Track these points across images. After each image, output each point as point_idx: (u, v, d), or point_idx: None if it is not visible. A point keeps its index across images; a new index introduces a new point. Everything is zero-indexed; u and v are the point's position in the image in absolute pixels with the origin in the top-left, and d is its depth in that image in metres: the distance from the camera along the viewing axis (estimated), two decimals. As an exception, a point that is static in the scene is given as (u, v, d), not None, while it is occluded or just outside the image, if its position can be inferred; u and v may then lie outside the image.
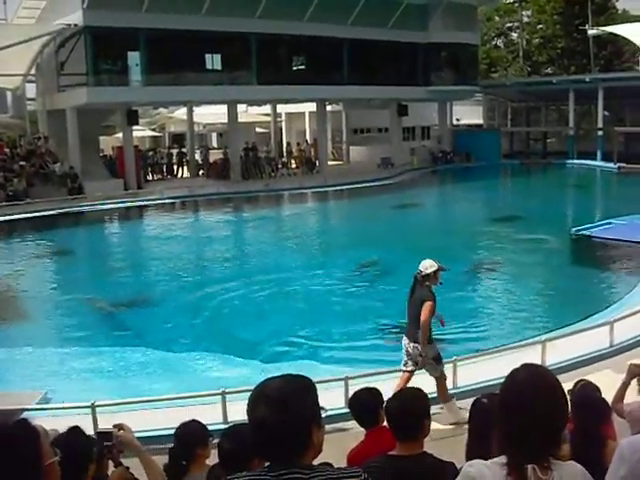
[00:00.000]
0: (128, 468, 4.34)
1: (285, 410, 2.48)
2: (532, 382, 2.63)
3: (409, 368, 9.17)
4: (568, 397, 2.82)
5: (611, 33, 29.66)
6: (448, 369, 9.88)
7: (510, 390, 2.67)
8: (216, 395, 9.14)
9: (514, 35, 74.99)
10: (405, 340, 9.26)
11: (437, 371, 9.15)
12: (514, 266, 20.68)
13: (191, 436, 4.58)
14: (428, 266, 9.01)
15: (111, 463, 3.98)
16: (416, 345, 8.98)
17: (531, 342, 11.29)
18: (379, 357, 12.32)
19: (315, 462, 2.65)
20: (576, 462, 2.80)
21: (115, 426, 3.96)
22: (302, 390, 2.59)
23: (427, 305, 8.78)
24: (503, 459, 2.60)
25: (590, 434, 4.10)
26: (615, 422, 5.00)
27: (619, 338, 11.09)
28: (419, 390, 4.13)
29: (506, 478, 2.56)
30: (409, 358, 9.14)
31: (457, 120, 58.78)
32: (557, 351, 10.79)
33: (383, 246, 22.54)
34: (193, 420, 4.91)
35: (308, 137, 52.25)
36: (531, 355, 10.42)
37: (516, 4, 71.97)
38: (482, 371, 9.91)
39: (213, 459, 4.53)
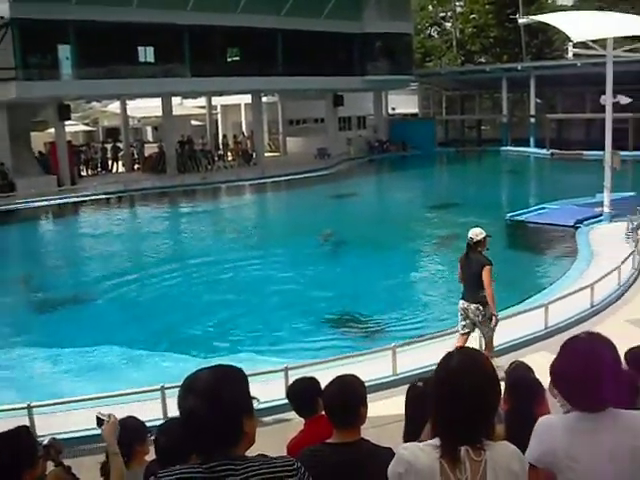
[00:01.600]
0: (70, 468, 4.25)
1: (214, 401, 2.45)
2: (465, 366, 2.65)
3: (467, 330, 9.98)
4: (500, 379, 2.85)
5: (541, 22, 30.03)
6: (387, 356, 9.97)
7: (443, 374, 2.69)
8: (155, 391, 9.02)
9: (448, 25, 75.63)
10: (464, 303, 9.89)
11: (490, 330, 9.86)
12: (451, 252, 20.83)
13: (129, 433, 4.51)
14: (478, 233, 9.90)
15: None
16: (477, 305, 9.70)
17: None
18: (320, 346, 12.35)
19: (255, 453, 2.62)
20: (511, 442, 2.84)
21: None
22: (231, 380, 2.56)
23: (487, 269, 9.58)
24: (437, 441, 2.62)
25: (523, 414, 4.14)
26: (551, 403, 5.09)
27: (553, 320, 11.29)
28: (355, 377, 4.11)
29: (439, 460, 2.58)
30: (468, 320, 9.88)
31: (393, 109, 59.11)
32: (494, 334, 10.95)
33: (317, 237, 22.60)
34: (130, 417, 4.84)
35: (244, 129, 52.00)
36: (468, 339, 10.55)
37: (450, -7, 72.70)
38: (422, 357, 9.95)
39: (153, 455, 4.49)
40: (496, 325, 9.82)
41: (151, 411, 8.27)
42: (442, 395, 2.66)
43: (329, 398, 3.95)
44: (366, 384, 9.21)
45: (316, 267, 18.58)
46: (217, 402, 2.45)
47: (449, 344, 9.91)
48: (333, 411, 3.89)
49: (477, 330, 10.07)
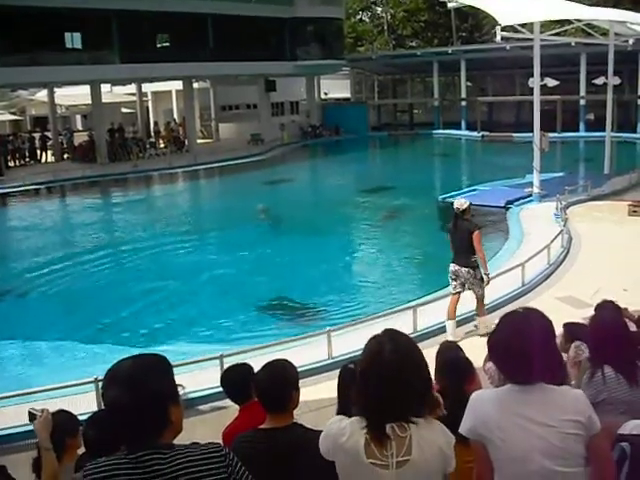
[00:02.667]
0: (4, 468, 4.15)
1: (138, 390, 2.43)
2: (389, 347, 2.68)
3: (458, 290, 10.75)
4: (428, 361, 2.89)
5: (470, 6, 30.35)
6: (322, 340, 9.98)
7: (369, 356, 2.71)
8: (89, 383, 8.85)
9: (379, 9, 75.95)
10: (454, 267, 10.70)
11: (482, 289, 10.74)
12: (385, 235, 21.07)
13: (59, 426, 4.39)
14: (463, 202, 10.77)
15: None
16: (468, 269, 10.54)
17: (403, 308, 11.50)
18: (256, 332, 12.31)
19: (192, 441, 2.61)
20: (442, 420, 2.92)
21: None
22: (155, 368, 2.53)
23: (477, 233, 10.48)
24: (363, 419, 2.64)
25: (454, 393, 4.18)
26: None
27: (486, 299, 11.43)
28: (286, 361, 4.09)
29: (365, 436, 2.61)
30: (459, 282, 10.68)
31: (325, 94, 59.15)
32: (428, 315, 11.07)
33: (257, 222, 22.51)
34: (61, 410, 4.73)
35: (176, 116, 51.40)
36: (403, 320, 10.65)
37: (380, -22, 72.97)
38: (357, 340, 9.96)
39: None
40: (488, 284, 10.78)
41: (87, 404, 8.13)
42: (367, 375, 2.69)
43: (260, 383, 3.93)
44: (302, 369, 9.31)
45: (251, 253, 18.48)
46: (141, 391, 2.43)
47: (383, 327, 9.97)
48: (264, 396, 3.88)
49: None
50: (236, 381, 5.00)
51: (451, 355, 4.88)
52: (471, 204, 10.87)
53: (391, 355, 2.68)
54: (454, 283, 10.78)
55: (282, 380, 3.87)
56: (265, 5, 43.54)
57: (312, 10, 46.25)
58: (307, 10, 46.11)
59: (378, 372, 2.67)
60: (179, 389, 2.62)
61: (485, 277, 10.70)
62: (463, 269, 10.60)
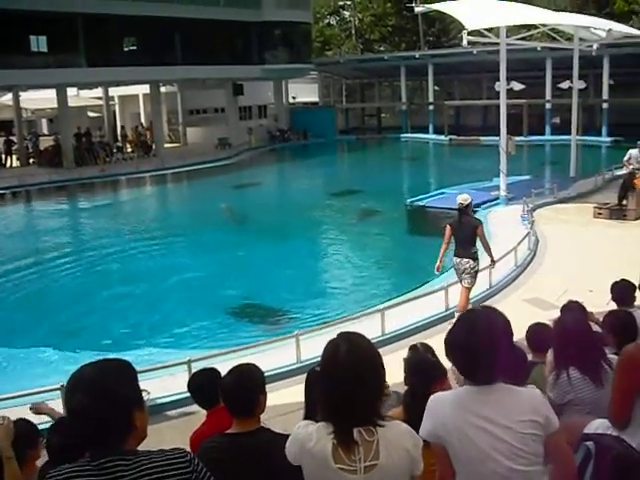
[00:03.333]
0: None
1: (101, 395, 2.40)
2: (348, 351, 2.67)
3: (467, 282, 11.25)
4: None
5: (436, 11, 30.58)
6: (291, 344, 9.95)
7: (329, 361, 2.70)
8: (54, 390, 8.73)
9: (347, 13, 76.12)
10: (456, 259, 11.24)
11: (473, 283, 11.27)
12: (353, 238, 21.10)
13: (19, 437, 4.32)
14: (466, 197, 11.32)
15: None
16: (469, 260, 11.08)
17: (371, 311, 11.49)
18: (224, 337, 12.28)
19: (161, 447, 2.57)
20: (409, 422, 2.92)
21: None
22: (118, 373, 2.50)
23: (481, 227, 11.24)
24: (330, 425, 2.63)
25: (421, 395, 4.18)
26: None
27: (454, 301, 11.49)
28: (253, 365, 4.07)
29: (332, 441, 2.59)
30: (466, 274, 11.17)
31: (293, 98, 59.13)
32: (396, 318, 11.09)
33: (224, 226, 22.42)
34: (21, 419, 4.64)
35: (143, 120, 51.07)
36: (371, 324, 10.66)
37: (347, -17, 73.16)
38: (325, 343, 9.95)
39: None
40: (493, 266, 12.01)
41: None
42: (326, 378, 2.68)
43: (226, 388, 3.91)
44: (271, 373, 9.29)
45: (219, 257, 18.40)
46: (104, 396, 2.40)
47: (352, 329, 9.97)
48: (230, 401, 3.85)
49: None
50: (203, 386, 4.97)
51: (417, 357, 4.90)
52: (472, 201, 11.57)
53: (346, 356, 2.68)
54: (463, 275, 11.32)
55: (248, 384, 3.85)
56: (233, 9, 43.42)
57: (280, 14, 46.20)
58: (275, 14, 46.05)
59: (334, 373, 2.68)
60: (144, 394, 2.59)
61: (492, 262, 11.77)
62: (464, 260, 11.13)
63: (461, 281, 11.32)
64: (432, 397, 3.10)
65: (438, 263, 11.47)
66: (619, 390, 3.62)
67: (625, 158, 19.84)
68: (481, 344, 2.90)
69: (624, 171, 19.88)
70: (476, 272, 11.28)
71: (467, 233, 11.14)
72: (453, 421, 2.92)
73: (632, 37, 31.02)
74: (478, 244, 11.30)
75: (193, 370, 8.48)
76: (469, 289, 11.33)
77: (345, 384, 2.62)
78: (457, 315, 10.67)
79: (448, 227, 11.48)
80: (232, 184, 32.66)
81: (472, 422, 2.90)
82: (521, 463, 2.89)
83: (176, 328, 13.12)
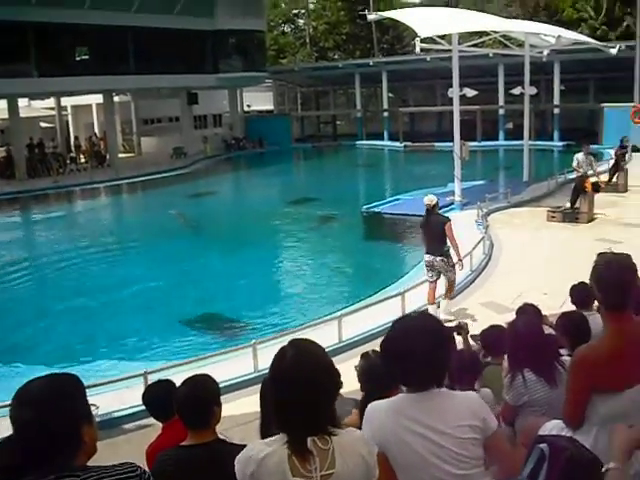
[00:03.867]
0: None
1: (49, 411, 2.36)
2: (298, 358, 2.65)
3: (434, 278, 11.84)
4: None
5: (388, 18, 30.81)
6: (248, 353, 9.90)
7: (278, 369, 2.67)
8: (3, 407, 8.52)
9: (301, 21, 76.30)
10: (429, 257, 11.77)
11: (454, 274, 11.88)
12: (310, 246, 21.08)
13: None
14: (432, 198, 11.97)
15: None
16: (442, 257, 11.60)
17: (328, 318, 11.50)
18: (181, 347, 12.17)
19: (116, 461, 2.53)
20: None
21: None
22: (66, 388, 2.46)
23: (449, 224, 11.63)
24: (283, 436, 2.60)
25: (371, 400, 4.18)
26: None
27: (410, 307, 11.52)
28: (207, 376, 4.03)
29: (287, 453, 2.57)
30: (435, 271, 11.77)
31: (248, 106, 59.09)
32: (354, 325, 11.10)
33: (180, 236, 22.27)
34: None
35: (97, 130, 50.56)
36: (329, 331, 10.66)
37: (301, -9, 73.34)
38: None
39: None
40: (462, 267, 12.06)
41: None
42: (279, 390, 2.65)
43: (180, 400, 3.86)
44: (228, 382, 9.22)
45: (175, 267, 18.23)
46: (52, 412, 2.36)
47: (310, 337, 9.96)
48: (185, 413, 3.81)
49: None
50: (157, 398, 4.91)
51: (369, 363, 4.90)
52: (438, 200, 12.25)
53: (293, 361, 2.65)
54: (430, 273, 11.86)
55: (202, 396, 3.81)
56: (186, 18, 43.17)
57: (234, 22, 46.07)
58: (229, 23, 45.92)
59: (282, 380, 2.65)
60: (93, 409, 2.54)
61: (459, 262, 11.85)
62: (437, 258, 11.64)
63: (438, 278, 11.91)
64: (369, 406, 3.10)
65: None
66: (572, 391, 3.65)
67: (574, 164, 20.07)
68: (416, 350, 2.90)
69: (576, 175, 20.16)
70: (452, 266, 11.77)
71: (436, 231, 11.64)
72: (391, 428, 2.92)
73: (581, 43, 31.63)
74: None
75: (149, 382, 8.41)
76: (452, 284, 12.09)
77: (294, 391, 2.59)
78: (443, 303, 12.10)
79: (420, 227, 12.24)
80: (188, 193, 32.47)
81: (410, 429, 2.90)
82: (462, 467, 2.91)
83: (132, 340, 13.00)
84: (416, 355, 2.90)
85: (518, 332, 5.13)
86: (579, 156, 20.02)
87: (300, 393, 2.57)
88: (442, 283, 12.16)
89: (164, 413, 4.83)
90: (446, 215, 12.28)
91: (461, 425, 2.92)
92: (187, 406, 3.78)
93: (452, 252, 11.88)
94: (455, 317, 11.50)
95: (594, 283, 3.57)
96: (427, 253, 11.82)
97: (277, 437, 2.62)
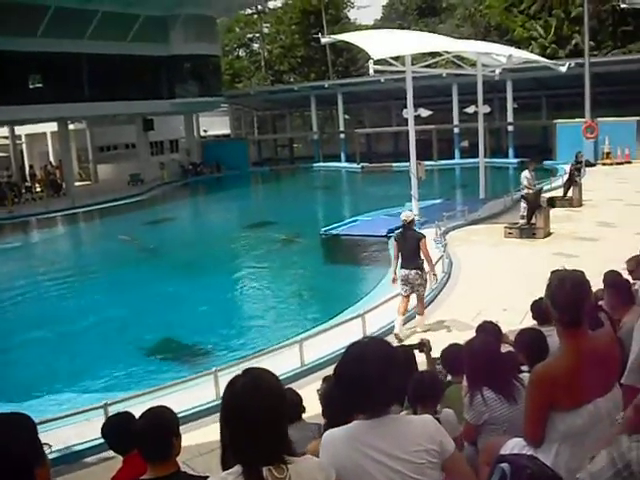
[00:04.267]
0: None
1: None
2: (249, 387, 2.61)
3: (408, 293, 12.23)
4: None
5: (342, 41, 31.11)
6: (209, 381, 9.80)
7: (229, 399, 2.63)
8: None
9: (255, 46, 76.61)
10: (404, 272, 12.13)
11: (424, 290, 12.49)
12: (269, 270, 21.02)
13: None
14: (410, 214, 12.76)
15: None
16: (417, 271, 12.10)
17: (289, 343, 11.44)
18: (142, 378, 12.01)
19: None
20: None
21: None
22: (15, 431, 2.38)
23: (424, 240, 12.21)
24: (239, 468, 2.55)
25: (332, 424, 4.16)
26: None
27: (371, 328, 11.52)
28: (165, 408, 3.96)
29: None
30: (409, 285, 12.16)
31: (205, 131, 59.00)
32: (315, 348, 11.05)
33: (137, 264, 22.04)
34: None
35: (52, 158, 50.07)
36: (290, 355, 10.61)
37: (255, 15, 73.57)
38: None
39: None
40: (436, 281, 13.17)
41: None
42: (231, 419, 2.60)
43: (138, 433, 3.79)
44: (190, 411, 9.11)
45: (134, 295, 18.05)
46: (3, 457, 2.28)
47: (270, 363, 9.93)
48: (143, 446, 3.74)
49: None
50: (115, 431, 4.82)
51: (331, 386, 4.87)
52: (415, 216, 13.17)
53: (243, 388, 2.60)
54: (405, 287, 12.20)
55: (160, 428, 3.74)
56: (140, 44, 43.11)
57: (188, 48, 46.08)
58: (183, 48, 45.93)
59: (234, 409, 2.59)
60: (45, 448, 2.47)
61: (433, 276, 12.85)
62: (412, 272, 12.09)
63: (412, 292, 12.26)
64: (325, 434, 3.07)
65: (393, 276, 12.48)
66: (531, 409, 3.67)
67: (524, 182, 20.23)
68: (370, 375, 2.88)
69: (525, 192, 20.29)
70: (425, 280, 12.40)
71: (411, 246, 12.10)
72: (348, 456, 2.89)
73: (532, 62, 32.17)
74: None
75: (110, 414, 8.28)
76: (422, 299, 12.53)
77: (245, 419, 2.54)
78: (417, 319, 12.66)
79: (394, 242, 12.54)
80: (145, 220, 32.21)
81: (367, 455, 2.87)
82: None
83: (92, 371, 12.80)
84: (370, 380, 2.87)
85: (474, 351, 5.16)
86: (526, 173, 20.27)
87: (252, 422, 2.53)
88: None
89: (123, 446, 4.74)
90: (421, 232, 12.81)
91: (418, 450, 2.90)
92: (145, 439, 3.71)
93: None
94: (431, 329, 12.23)
95: (549, 301, 3.60)
96: (402, 267, 12.19)
97: (233, 469, 2.58)
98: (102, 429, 5.08)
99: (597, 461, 1.77)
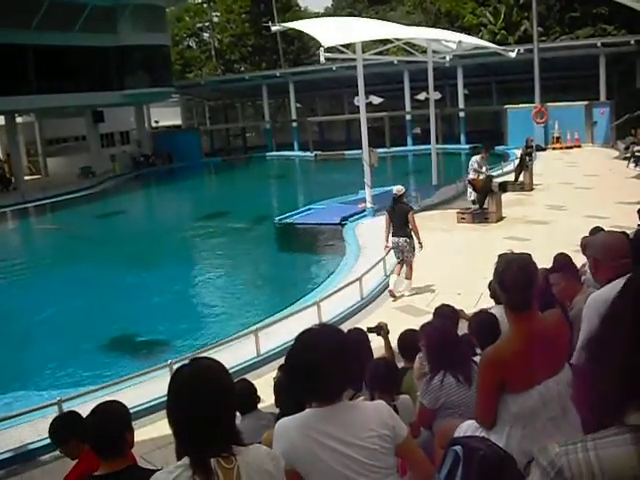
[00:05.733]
0: None
1: None
2: (195, 377, 2.59)
3: (400, 259, 13.64)
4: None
5: (293, 29, 31.03)
6: (165, 374, 9.71)
7: (174, 387, 2.60)
8: None
9: (206, 35, 75.95)
10: (395, 239, 13.48)
11: (412, 256, 13.56)
12: (224, 260, 20.95)
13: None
14: (400, 188, 13.83)
15: None
16: (405, 238, 13.37)
17: (245, 333, 11.39)
18: (97, 373, 11.89)
19: None
20: None
21: None
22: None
23: (412, 212, 13.53)
24: (187, 460, 2.53)
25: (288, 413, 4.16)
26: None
27: (326, 316, 11.54)
28: (116, 402, 3.90)
29: (192, 477, 2.50)
30: (399, 251, 13.55)
31: (156, 122, 58.42)
32: (272, 337, 11.03)
33: (88, 258, 21.76)
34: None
35: (0, 153, 49.12)
36: (246, 345, 10.58)
37: (205, 4, 72.93)
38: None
39: None
40: (422, 249, 13.52)
41: None
42: (177, 411, 2.58)
43: (89, 430, 3.74)
44: (146, 405, 9.02)
45: (87, 290, 17.85)
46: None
47: (226, 353, 9.94)
48: (95, 442, 3.69)
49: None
50: (62, 430, 4.75)
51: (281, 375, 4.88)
52: (406, 190, 14.26)
53: (188, 378, 2.58)
54: (397, 253, 13.64)
55: (111, 424, 3.69)
56: (88, 34, 42.38)
57: (137, 38, 45.52)
58: (132, 38, 45.33)
59: (179, 398, 2.57)
60: None
61: (419, 245, 13.42)
62: (401, 239, 13.37)
63: (404, 259, 13.57)
64: (278, 423, 3.06)
65: (385, 244, 13.76)
66: (482, 391, 3.70)
67: (474, 166, 20.21)
68: (319, 363, 2.87)
69: (471, 177, 20.37)
70: (413, 247, 13.46)
71: (400, 217, 13.35)
72: (301, 445, 2.88)
73: (482, 48, 32.42)
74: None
75: (64, 410, 8.18)
76: (411, 265, 13.61)
77: (191, 409, 2.51)
78: (405, 282, 13.71)
79: (386, 214, 13.81)
80: (97, 214, 31.89)
81: (320, 443, 2.87)
82: (375, 478, 2.90)
83: (45, 368, 12.63)
84: (320, 368, 2.86)
85: (429, 334, 5.21)
86: (477, 158, 20.27)
87: (197, 412, 2.50)
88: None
89: (70, 447, 4.70)
90: (410, 205, 14.15)
91: (371, 436, 2.90)
92: (97, 436, 3.67)
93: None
94: (417, 292, 13.52)
95: (496, 284, 3.63)
96: (393, 236, 13.49)
97: (180, 462, 2.55)
98: (49, 430, 5.00)
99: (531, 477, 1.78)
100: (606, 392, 1.73)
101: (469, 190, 20.49)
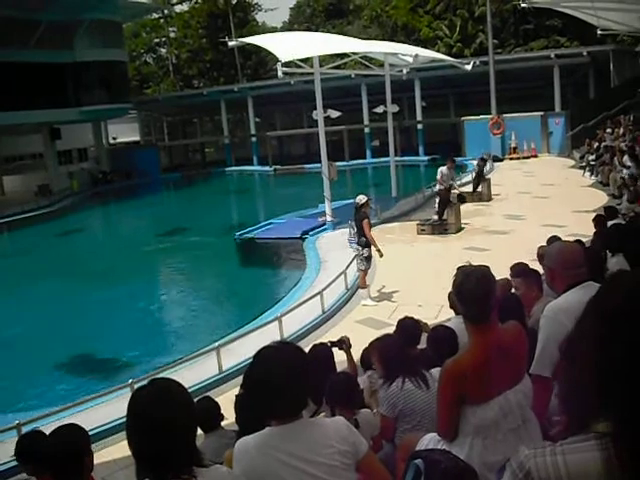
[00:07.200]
0: None
1: None
2: (154, 397, 2.55)
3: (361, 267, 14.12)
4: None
5: (250, 44, 31.08)
6: (126, 393, 9.60)
7: (133, 409, 2.57)
8: None
9: (163, 51, 75.69)
10: (355, 246, 14.34)
11: (363, 266, 13.98)
12: (184, 277, 20.86)
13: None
14: (361, 198, 13.97)
15: None
16: (357, 246, 14.07)
17: (206, 350, 11.27)
18: (58, 395, 11.72)
19: None
20: None
21: None
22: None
23: (366, 222, 13.74)
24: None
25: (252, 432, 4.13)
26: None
27: (288, 331, 11.50)
28: (74, 426, 3.84)
29: None
30: (358, 259, 14.17)
31: (114, 139, 58.05)
32: (233, 354, 10.96)
33: (47, 278, 21.47)
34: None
35: (-46, 172, 48.38)
36: (208, 363, 10.51)
37: (162, 20, 72.65)
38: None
39: None
40: (381, 256, 13.65)
41: None
42: (136, 431, 2.54)
43: (47, 455, 3.67)
44: (107, 426, 8.89)
45: (45, 310, 17.62)
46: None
47: (188, 371, 9.87)
48: (53, 467, 3.62)
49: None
50: (25, 453, 4.66)
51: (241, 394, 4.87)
52: (368, 200, 14.20)
53: (147, 398, 2.53)
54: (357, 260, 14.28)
55: (70, 448, 3.63)
56: (44, 51, 41.97)
57: (93, 54, 45.21)
58: (88, 54, 45.01)
59: (137, 419, 2.52)
60: None
61: (377, 252, 13.62)
62: (359, 247, 13.95)
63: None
64: (237, 443, 3.04)
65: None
66: (442, 403, 3.71)
67: (438, 177, 20.52)
68: (274, 380, 2.86)
69: (438, 187, 20.60)
70: (366, 257, 13.89)
71: (358, 226, 14.05)
72: (262, 463, 2.87)
73: (438, 61, 32.77)
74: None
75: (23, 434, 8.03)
76: (363, 271, 14.01)
77: (149, 431, 2.47)
78: (360, 292, 14.18)
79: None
80: (55, 232, 31.45)
81: (281, 461, 2.86)
82: None
83: (2, 389, 12.40)
84: (278, 385, 2.86)
85: (382, 347, 5.28)
86: (443, 169, 20.52)
87: (156, 433, 2.47)
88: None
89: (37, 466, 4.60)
90: (366, 215, 13.95)
91: (331, 452, 2.90)
92: (55, 461, 3.60)
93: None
94: (378, 304, 13.57)
95: (455, 297, 3.65)
96: (352, 243, 14.69)
97: None
98: (15, 451, 4.91)
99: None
100: (576, 407, 1.78)
101: (436, 200, 20.63)
